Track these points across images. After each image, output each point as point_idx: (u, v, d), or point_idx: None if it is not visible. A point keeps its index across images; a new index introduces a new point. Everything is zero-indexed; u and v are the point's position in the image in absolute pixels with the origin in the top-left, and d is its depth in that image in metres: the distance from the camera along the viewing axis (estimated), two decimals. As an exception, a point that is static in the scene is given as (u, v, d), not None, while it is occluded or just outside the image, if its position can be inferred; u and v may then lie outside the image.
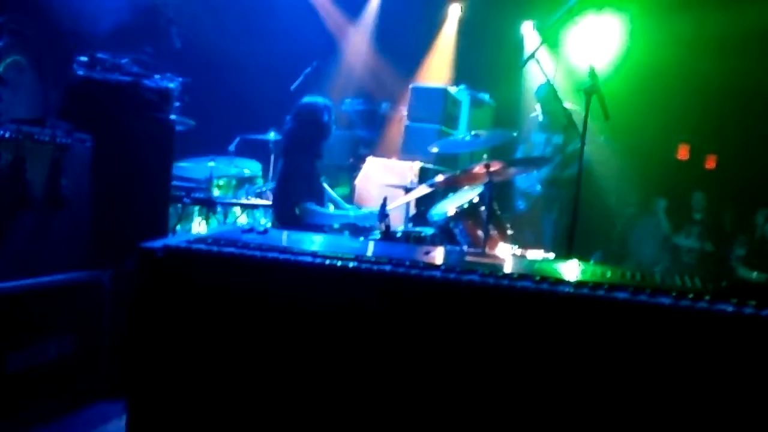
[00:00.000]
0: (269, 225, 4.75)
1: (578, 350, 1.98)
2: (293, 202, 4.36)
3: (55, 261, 3.36)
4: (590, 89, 4.04)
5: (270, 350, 2.18)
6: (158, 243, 2.29)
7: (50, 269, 3.30)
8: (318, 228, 4.18)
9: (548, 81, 5.41)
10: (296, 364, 2.15)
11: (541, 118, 6.32)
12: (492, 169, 3.97)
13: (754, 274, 5.96)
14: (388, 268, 2.15)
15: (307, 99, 4.71)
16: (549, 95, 6.06)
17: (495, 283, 2.08)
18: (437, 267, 2.17)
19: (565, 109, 4.94)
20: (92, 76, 3.86)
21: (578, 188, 4.13)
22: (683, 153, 7.66)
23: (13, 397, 3.03)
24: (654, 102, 6.94)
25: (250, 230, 2.61)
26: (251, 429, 1.90)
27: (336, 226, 4.31)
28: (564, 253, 3.86)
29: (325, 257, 2.20)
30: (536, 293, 2.03)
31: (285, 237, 2.63)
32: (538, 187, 6.15)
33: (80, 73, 3.86)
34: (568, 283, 2.07)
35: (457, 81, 6.72)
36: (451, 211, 4.26)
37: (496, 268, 2.21)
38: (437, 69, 7.51)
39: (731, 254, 6.43)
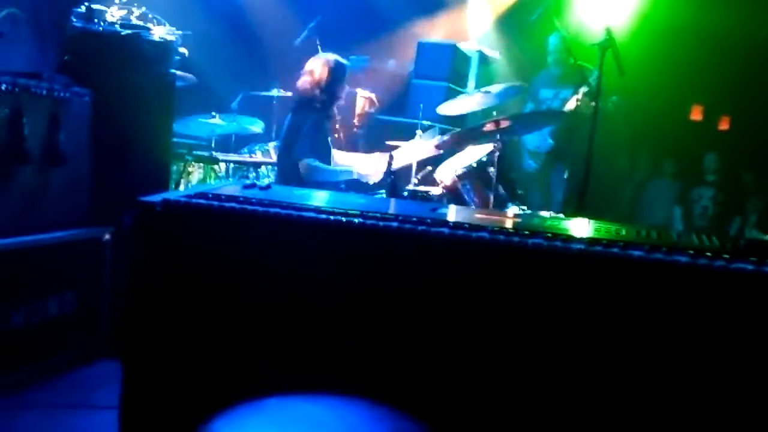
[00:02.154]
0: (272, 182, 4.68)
1: (592, 309, 1.91)
2: (295, 159, 4.26)
3: (54, 218, 3.30)
4: (605, 44, 3.92)
5: (271, 307, 2.12)
6: (158, 197, 2.21)
7: (50, 226, 3.24)
8: (321, 186, 4.09)
9: (561, 33, 5.26)
10: (297, 322, 2.10)
11: (553, 69, 6.16)
12: (502, 125, 3.87)
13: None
14: (395, 224, 2.07)
15: (321, 56, 4.55)
16: (562, 46, 5.90)
17: (506, 240, 2.00)
18: (446, 223, 2.09)
19: (577, 61, 4.82)
20: (90, 29, 3.74)
21: (590, 149, 4.04)
22: (696, 114, 7.50)
23: (13, 354, 3.00)
24: (668, 61, 6.76)
25: (252, 186, 2.52)
26: (253, 385, 1.84)
27: (342, 186, 4.22)
28: (574, 214, 3.77)
29: (330, 213, 2.12)
30: (549, 251, 1.95)
31: (288, 192, 2.54)
32: (549, 141, 5.99)
33: (78, 25, 3.75)
34: (581, 240, 1.99)
35: (466, 36, 6.54)
36: (459, 171, 4.16)
37: (506, 226, 2.13)
38: (445, 24, 7.31)
39: (744, 217, 6.33)
